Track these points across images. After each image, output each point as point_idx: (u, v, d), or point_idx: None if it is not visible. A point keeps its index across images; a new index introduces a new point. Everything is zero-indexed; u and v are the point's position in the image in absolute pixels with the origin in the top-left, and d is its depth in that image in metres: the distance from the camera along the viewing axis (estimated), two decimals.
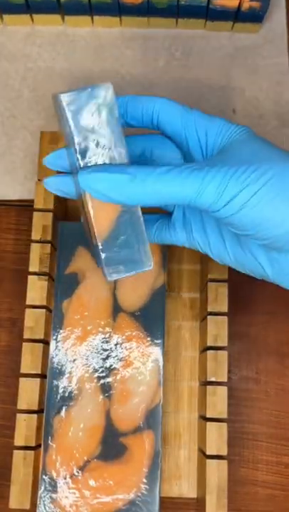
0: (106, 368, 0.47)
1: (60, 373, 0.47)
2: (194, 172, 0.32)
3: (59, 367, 0.47)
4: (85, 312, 0.48)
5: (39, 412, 0.46)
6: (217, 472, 0.45)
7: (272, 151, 0.35)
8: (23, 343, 0.47)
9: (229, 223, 0.34)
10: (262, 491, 0.51)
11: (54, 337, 0.47)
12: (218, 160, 0.35)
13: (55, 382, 0.47)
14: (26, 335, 0.47)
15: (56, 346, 0.47)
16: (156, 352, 0.47)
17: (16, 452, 0.45)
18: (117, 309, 0.48)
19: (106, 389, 0.46)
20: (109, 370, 0.47)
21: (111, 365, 0.47)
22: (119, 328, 0.47)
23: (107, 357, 0.47)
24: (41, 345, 0.47)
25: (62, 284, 0.48)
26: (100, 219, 0.36)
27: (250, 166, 0.33)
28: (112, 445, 0.45)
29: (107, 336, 0.47)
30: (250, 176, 0.32)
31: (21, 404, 0.46)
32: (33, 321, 0.47)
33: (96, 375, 0.47)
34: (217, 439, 0.45)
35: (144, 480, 0.45)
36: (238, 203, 0.32)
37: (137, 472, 0.45)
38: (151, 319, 0.48)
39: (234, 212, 0.33)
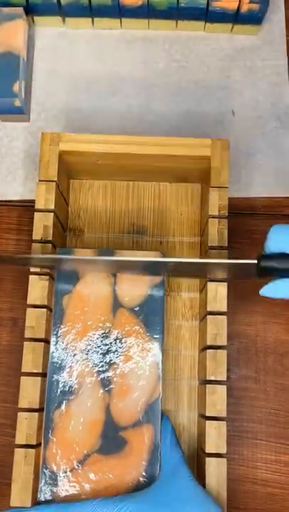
0: (106, 362, 0.47)
1: (60, 368, 0.47)
2: None
3: (59, 362, 0.47)
4: (85, 308, 0.48)
5: (40, 410, 0.47)
6: (216, 470, 0.45)
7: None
8: (25, 343, 0.47)
9: None
10: (261, 489, 0.51)
11: (54, 332, 0.48)
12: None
13: (55, 377, 0.47)
14: (27, 334, 0.48)
15: (56, 341, 0.47)
16: (155, 347, 0.47)
17: (17, 450, 0.46)
18: (116, 305, 0.48)
19: (106, 383, 0.47)
20: (109, 365, 0.47)
21: (111, 360, 0.47)
22: (119, 323, 0.48)
23: (107, 352, 0.47)
24: (42, 344, 0.47)
25: (63, 280, 0.49)
26: None
27: None
28: (111, 439, 0.46)
29: (107, 331, 0.48)
30: None
31: (22, 403, 0.46)
32: (34, 321, 0.48)
33: (96, 369, 0.47)
34: (216, 438, 0.46)
35: (144, 473, 0.45)
36: None
37: (136, 466, 0.45)
38: (151, 315, 0.48)
39: None
